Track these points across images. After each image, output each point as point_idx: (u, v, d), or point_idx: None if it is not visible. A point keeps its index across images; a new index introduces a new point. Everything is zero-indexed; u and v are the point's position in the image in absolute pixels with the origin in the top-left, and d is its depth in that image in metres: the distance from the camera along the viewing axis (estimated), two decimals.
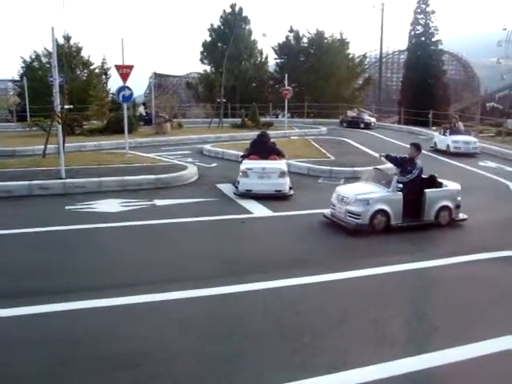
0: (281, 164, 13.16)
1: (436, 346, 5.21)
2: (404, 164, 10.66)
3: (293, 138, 26.66)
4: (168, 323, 5.70)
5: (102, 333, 5.41)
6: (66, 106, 16.64)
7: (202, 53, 47.63)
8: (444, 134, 23.21)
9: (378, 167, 10.70)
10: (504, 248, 8.82)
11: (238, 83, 43.93)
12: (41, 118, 24.13)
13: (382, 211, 9.75)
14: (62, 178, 13.08)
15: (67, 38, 38.56)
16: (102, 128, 26.65)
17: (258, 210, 11.55)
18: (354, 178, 14.18)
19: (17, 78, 39.50)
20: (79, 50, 40.14)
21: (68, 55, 34.37)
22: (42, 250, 8.36)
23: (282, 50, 47.67)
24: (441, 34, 46.60)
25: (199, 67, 52.22)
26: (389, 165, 12.09)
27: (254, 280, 6.95)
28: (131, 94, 18.24)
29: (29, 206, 11.60)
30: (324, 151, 20.65)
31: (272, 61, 49.24)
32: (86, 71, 40.26)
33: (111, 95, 36.41)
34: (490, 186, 15.53)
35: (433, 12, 46.06)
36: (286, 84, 31.23)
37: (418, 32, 46.34)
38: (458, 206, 10.51)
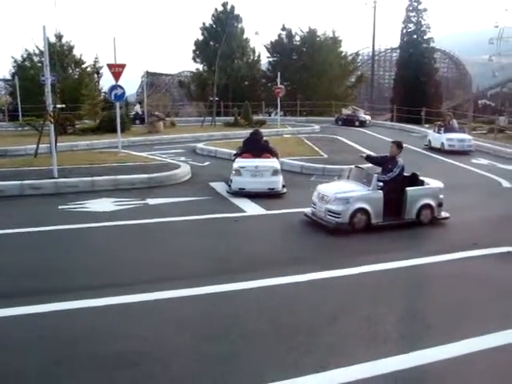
0: (274, 162, 13.17)
1: (429, 343, 5.23)
2: (385, 162, 10.54)
3: (286, 136, 26.71)
4: (163, 322, 5.69)
5: (98, 332, 5.39)
6: (58, 106, 16.54)
7: (194, 51, 47.62)
8: (438, 132, 23.21)
9: (360, 165, 10.60)
10: (496, 245, 8.84)
11: (230, 82, 43.93)
12: (33, 118, 24.03)
13: (362, 210, 9.61)
14: (54, 178, 13.02)
15: (59, 37, 38.46)
16: (95, 127, 26.59)
17: (251, 208, 11.55)
18: None
19: (8, 77, 39.34)
20: (71, 48, 40.06)
21: (60, 54, 34.26)
22: (36, 250, 8.33)
23: (275, 48, 47.70)
24: (433, 31, 46.93)
25: (191, 66, 52.32)
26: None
27: (247, 278, 6.95)
28: (123, 93, 18.19)
29: (21, 205, 11.55)
30: (317, 149, 20.71)
31: (264, 59, 49.36)
32: (78, 70, 40.17)
33: (103, 94, 36.29)
34: (483, 184, 15.62)
35: (425, 10, 46.34)
36: (279, 82, 31.28)
37: (410, 30, 46.52)
38: (440, 205, 10.34)
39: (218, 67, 34.62)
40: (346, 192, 9.81)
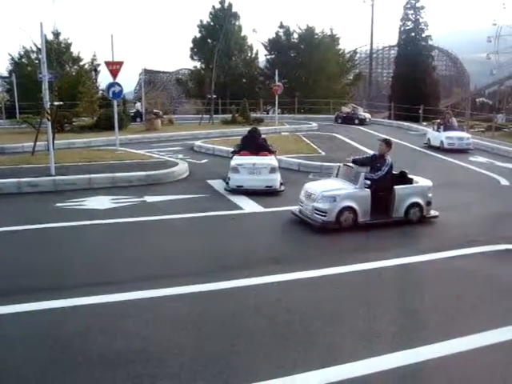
0: (271, 160, 13.16)
1: (423, 341, 5.23)
2: (374, 161, 10.39)
3: (283, 133, 26.68)
4: (160, 320, 5.68)
5: (95, 330, 5.38)
6: (56, 103, 16.52)
7: (191, 49, 47.56)
8: (438, 130, 23.03)
9: (348, 163, 10.53)
10: (491, 242, 8.83)
11: (228, 79, 43.94)
12: (30, 115, 24.01)
13: (349, 208, 9.50)
14: (51, 175, 13.01)
15: (56, 34, 38.44)
16: (92, 125, 26.57)
17: (248, 205, 11.54)
18: None
19: (5, 74, 39.27)
20: (68, 45, 40.03)
21: (57, 51, 34.21)
22: (33, 248, 8.31)
23: (273, 45, 47.67)
24: (431, 29, 47.18)
25: (189, 63, 52.37)
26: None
27: (244, 276, 6.94)
28: (121, 91, 18.18)
29: (18, 203, 11.53)
30: (315, 147, 20.70)
31: (262, 57, 49.33)
32: (75, 67, 40.11)
33: (101, 92, 36.28)
34: (481, 182, 15.60)
35: (423, 8, 46.39)
36: (277, 80, 31.23)
37: (408, 28, 46.58)
38: (428, 203, 10.19)
39: (216, 65, 34.58)
40: (332, 190, 9.70)
